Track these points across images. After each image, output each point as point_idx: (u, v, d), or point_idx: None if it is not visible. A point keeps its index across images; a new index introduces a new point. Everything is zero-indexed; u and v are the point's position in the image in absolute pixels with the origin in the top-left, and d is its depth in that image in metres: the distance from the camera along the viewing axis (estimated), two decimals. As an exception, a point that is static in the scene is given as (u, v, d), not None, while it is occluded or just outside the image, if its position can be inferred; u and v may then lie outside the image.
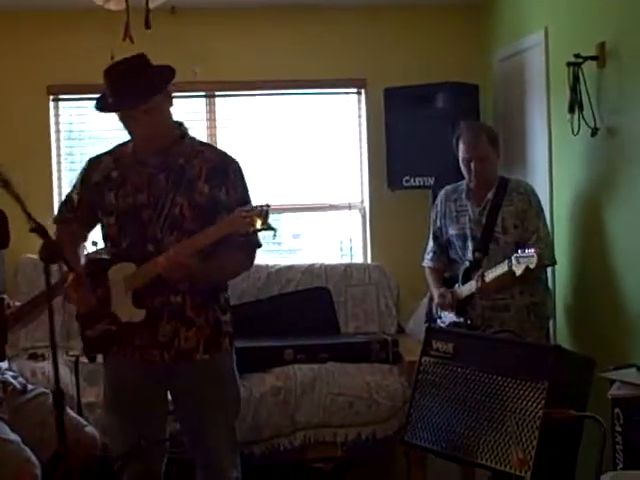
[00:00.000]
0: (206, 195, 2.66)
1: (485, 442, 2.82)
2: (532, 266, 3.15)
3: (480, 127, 3.75)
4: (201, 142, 2.81)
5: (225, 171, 2.70)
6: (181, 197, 2.65)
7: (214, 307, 2.75)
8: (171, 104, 2.70)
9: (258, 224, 2.43)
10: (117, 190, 2.70)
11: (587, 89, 3.48)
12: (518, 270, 3.19)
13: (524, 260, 3.16)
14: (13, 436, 3.01)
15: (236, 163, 2.75)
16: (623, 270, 3.38)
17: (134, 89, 2.56)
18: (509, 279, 3.31)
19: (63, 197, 4.80)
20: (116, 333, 2.69)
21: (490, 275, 3.38)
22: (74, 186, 2.87)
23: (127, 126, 2.66)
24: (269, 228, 2.47)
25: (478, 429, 2.86)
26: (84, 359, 3.63)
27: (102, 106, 2.69)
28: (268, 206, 2.46)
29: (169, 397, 2.86)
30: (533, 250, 3.17)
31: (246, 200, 2.69)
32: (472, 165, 3.56)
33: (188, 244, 2.56)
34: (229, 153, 2.79)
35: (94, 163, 2.80)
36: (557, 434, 2.68)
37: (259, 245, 2.74)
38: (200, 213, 2.63)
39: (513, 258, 3.21)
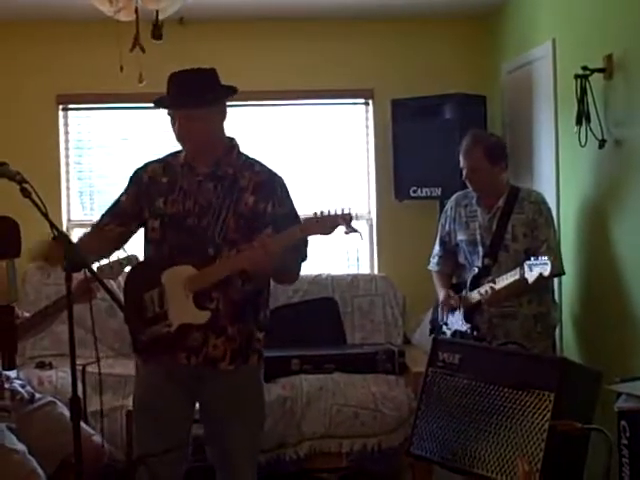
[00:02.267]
0: (250, 206, 2.71)
1: (491, 454, 2.82)
2: (546, 274, 3.15)
3: (479, 138, 3.67)
4: (251, 157, 2.87)
5: (272, 186, 2.77)
6: (227, 206, 2.70)
7: (250, 321, 2.76)
8: (224, 118, 2.77)
9: (341, 223, 2.53)
10: (166, 196, 2.76)
11: (594, 101, 3.48)
12: (531, 277, 3.18)
13: (537, 267, 3.16)
14: (20, 446, 3.01)
15: (282, 179, 2.83)
16: (630, 281, 3.37)
17: (197, 93, 2.64)
18: (519, 287, 3.31)
19: (72, 205, 4.94)
20: (173, 337, 2.68)
21: (501, 283, 3.37)
22: (122, 192, 2.89)
23: (180, 132, 2.71)
24: (353, 230, 2.55)
25: (484, 441, 2.86)
26: (90, 368, 3.65)
27: (161, 104, 2.75)
28: (350, 209, 2.55)
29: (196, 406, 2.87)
30: (546, 258, 3.18)
31: (294, 213, 2.77)
32: (464, 173, 3.62)
33: (277, 238, 2.58)
34: (274, 169, 2.86)
35: (142, 169, 2.87)
36: (563, 446, 2.67)
37: (306, 257, 2.79)
38: (243, 224, 2.68)
39: (526, 265, 3.21)
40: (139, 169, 2.88)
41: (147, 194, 2.80)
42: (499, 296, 3.42)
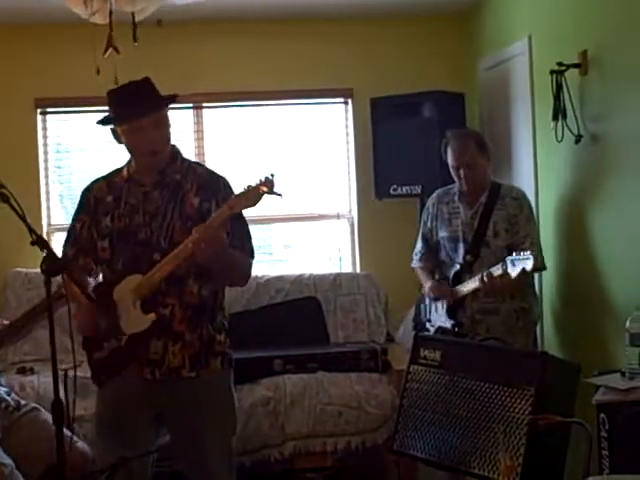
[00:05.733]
0: (195, 207, 2.73)
1: (473, 449, 2.83)
2: (528, 268, 3.16)
3: (467, 134, 3.75)
4: (192, 161, 2.88)
5: (216, 185, 2.78)
6: (173, 210, 2.71)
7: (207, 325, 2.76)
8: (170, 125, 2.76)
9: (264, 190, 2.53)
10: (112, 212, 2.75)
11: (570, 97, 3.51)
12: (513, 272, 3.19)
13: (520, 262, 3.17)
14: (7, 460, 2.98)
15: (225, 179, 2.84)
16: (608, 275, 3.40)
17: (145, 101, 2.66)
18: (510, 283, 3.28)
19: (53, 209, 4.91)
20: (124, 350, 2.67)
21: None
22: (73, 218, 2.87)
23: (132, 142, 2.70)
24: (275, 193, 2.55)
25: (466, 436, 2.87)
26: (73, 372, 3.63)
27: (110, 120, 2.73)
28: (272, 175, 2.56)
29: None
30: (529, 252, 3.18)
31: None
32: (462, 172, 3.60)
33: (212, 219, 2.57)
34: (217, 171, 2.87)
35: (89, 189, 2.86)
36: (544, 440, 2.69)
37: (253, 252, 2.80)
38: (191, 225, 2.64)
39: (508, 261, 3.21)
40: (85, 190, 2.86)
41: (94, 216, 2.79)
42: (495, 285, 3.32)
